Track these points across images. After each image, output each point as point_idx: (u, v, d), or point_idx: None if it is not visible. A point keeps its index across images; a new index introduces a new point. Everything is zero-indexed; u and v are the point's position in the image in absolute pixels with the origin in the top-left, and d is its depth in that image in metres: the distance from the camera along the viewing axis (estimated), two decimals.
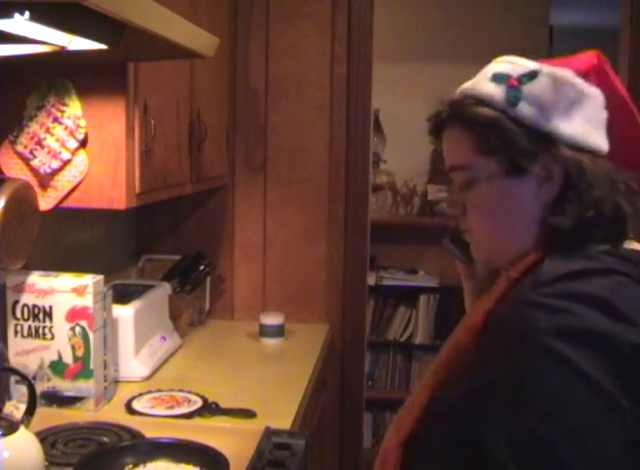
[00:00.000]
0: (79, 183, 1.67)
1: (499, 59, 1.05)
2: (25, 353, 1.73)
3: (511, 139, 0.96)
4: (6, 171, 1.68)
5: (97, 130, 1.67)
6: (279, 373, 2.15)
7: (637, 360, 0.82)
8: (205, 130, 2.19)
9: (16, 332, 1.73)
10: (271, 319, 2.46)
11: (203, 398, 1.84)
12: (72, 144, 1.65)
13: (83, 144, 1.66)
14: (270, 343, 2.44)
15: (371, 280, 3.51)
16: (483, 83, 1.01)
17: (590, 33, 6.13)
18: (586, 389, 0.81)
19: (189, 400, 1.83)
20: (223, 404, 1.80)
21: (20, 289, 1.72)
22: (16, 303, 1.72)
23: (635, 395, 0.82)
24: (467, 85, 1.03)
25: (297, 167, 2.64)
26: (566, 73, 0.99)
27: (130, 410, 1.78)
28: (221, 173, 2.52)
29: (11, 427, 1.27)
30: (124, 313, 1.97)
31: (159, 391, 1.90)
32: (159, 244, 2.72)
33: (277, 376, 2.13)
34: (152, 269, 2.61)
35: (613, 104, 1.02)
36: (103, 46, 1.30)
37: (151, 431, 1.61)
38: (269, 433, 1.61)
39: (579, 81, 0.99)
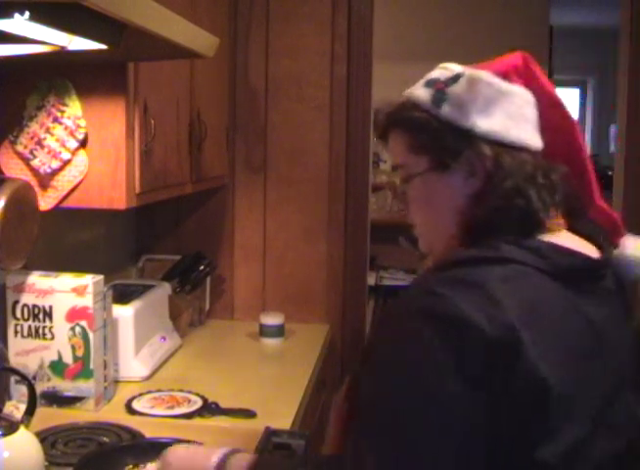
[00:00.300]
0: (79, 183, 1.67)
1: (437, 66, 1.12)
2: (25, 353, 1.73)
3: (436, 138, 1.05)
4: (6, 171, 1.68)
5: (97, 130, 1.67)
6: (279, 373, 2.15)
7: (493, 349, 0.87)
8: (205, 130, 2.19)
9: (16, 332, 1.73)
10: (271, 319, 2.46)
11: (203, 398, 1.84)
12: (72, 144, 1.65)
13: (83, 144, 1.66)
14: (270, 343, 2.44)
15: (371, 280, 3.51)
16: (417, 89, 1.09)
17: (590, 33, 6.14)
18: (433, 372, 0.88)
19: (189, 400, 1.83)
20: (223, 404, 1.80)
21: (20, 289, 1.72)
22: (16, 303, 1.72)
23: (484, 378, 0.87)
24: (407, 90, 1.11)
25: (297, 167, 2.64)
26: (482, 74, 1.05)
27: (130, 410, 1.78)
28: (221, 173, 2.52)
29: (11, 427, 1.27)
30: (124, 313, 1.97)
31: (159, 391, 1.90)
32: (159, 244, 2.71)
33: (277, 376, 2.13)
34: (152, 269, 2.61)
35: (543, 102, 1.09)
36: (103, 46, 1.30)
37: (151, 431, 1.61)
38: (269, 433, 1.61)
39: (496, 81, 1.05)
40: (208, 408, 1.78)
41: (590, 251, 1.06)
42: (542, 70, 1.11)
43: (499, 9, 2.61)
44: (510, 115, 1.05)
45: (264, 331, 2.45)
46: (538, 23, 2.65)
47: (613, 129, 6.05)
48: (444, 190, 1.06)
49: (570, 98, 7.19)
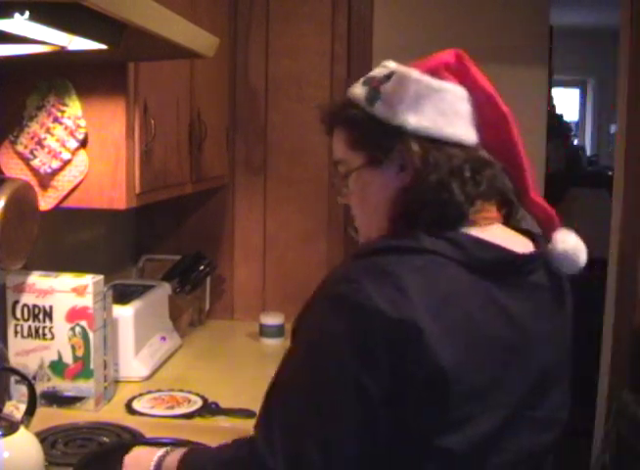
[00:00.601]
0: (79, 183, 1.67)
1: (380, 63, 1.15)
2: (25, 353, 1.73)
3: (370, 135, 1.09)
4: (6, 171, 1.68)
5: (97, 130, 1.67)
6: None
7: (398, 330, 0.90)
8: (205, 130, 2.19)
9: (16, 332, 1.73)
10: (271, 319, 2.46)
11: (203, 398, 1.84)
12: (72, 144, 1.65)
13: (83, 144, 1.66)
14: (270, 343, 2.44)
15: None
16: (356, 86, 1.13)
17: (590, 33, 6.13)
18: (335, 360, 0.93)
19: (189, 400, 1.83)
20: (223, 404, 1.80)
21: (20, 289, 1.72)
22: (16, 303, 1.72)
23: (385, 366, 0.91)
24: (350, 88, 1.15)
25: (297, 167, 2.64)
26: (412, 71, 1.08)
27: (130, 410, 1.78)
28: (221, 173, 2.52)
29: (11, 427, 1.27)
30: (124, 313, 1.97)
31: (159, 391, 1.90)
32: (159, 244, 2.71)
33: None
34: (152, 269, 2.61)
35: (478, 98, 1.11)
36: (103, 46, 1.30)
37: (151, 431, 1.61)
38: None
39: (426, 78, 1.08)
40: (208, 408, 1.78)
41: (523, 245, 1.08)
42: (476, 66, 1.13)
43: (499, 9, 2.60)
44: (441, 111, 1.07)
45: (264, 331, 2.45)
46: (538, 23, 2.64)
47: (613, 129, 6.05)
48: (378, 184, 1.10)
49: (570, 98, 7.18)
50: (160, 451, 1.15)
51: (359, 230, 1.18)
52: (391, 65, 1.12)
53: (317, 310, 1.00)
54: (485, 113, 1.11)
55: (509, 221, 1.11)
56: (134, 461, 1.21)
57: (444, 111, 1.07)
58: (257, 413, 1.03)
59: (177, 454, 1.13)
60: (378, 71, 1.13)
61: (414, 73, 1.08)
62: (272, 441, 0.94)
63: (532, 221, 1.15)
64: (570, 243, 1.11)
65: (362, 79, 1.13)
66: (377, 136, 1.08)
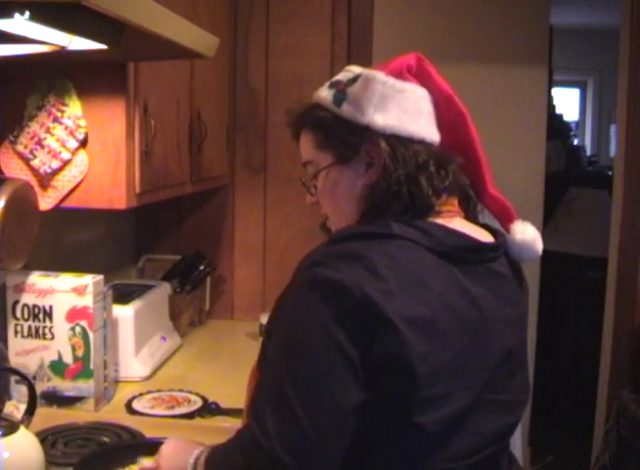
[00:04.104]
0: (79, 183, 1.67)
1: (344, 69, 1.21)
2: (25, 353, 1.73)
3: (337, 134, 1.14)
4: (6, 171, 1.68)
5: (97, 130, 1.67)
6: None
7: (365, 308, 0.95)
8: (205, 130, 2.19)
9: (16, 332, 1.73)
10: None
11: (203, 398, 1.84)
12: (72, 144, 1.65)
13: (83, 144, 1.66)
14: None
15: None
16: (322, 90, 1.19)
17: (590, 33, 6.13)
18: (315, 332, 0.97)
19: (189, 400, 1.83)
20: (223, 404, 1.80)
21: (20, 289, 1.72)
22: (16, 303, 1.72)
23: (358, 335, 0.96)
24: (315, 93, 1.21)
25: (297, 167, 2.61)
26: (377, 74, 1.14)
27: (130, 410, 1.78)
28: (221, 173, 2.52)
29: (11, 427, 1.28)
30: (124, 313, 1.97)
31: (159, 391, 1.90)
32: (159, 244, 2.71)
33: None
34: (152, 269, 2.61)
35: (438, 98, 1.18)
36: (103, 46, 1.30)
37: (151, 431, 1.61)
38: None
39: (390, 79, 1.14)
40: (208, 408, 1.78)
41: (484, 236, 1.15)
42: (435, 68, 1.20)
43: (499, 9, 2.60)
44: (405, 109, 1.13)
45: (264, 331, 2.45)
46: (538, 23, 2.64)
47: (613, 129, 6.04)
48: (347, 181, 1.16)
49: (570, 98, 7.18)
50: (197, 450, 1.17)
51: (332, 227, 1.23)
52: (356, 69, 1.18)
53: (294, 295, 1.03)
54: (445, 112, 1.18)
55: (467, 215, 1.17)
56: (172, 453, 1.22)
57: (408, 110, 1.13)
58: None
59: (206, 454, 1.15)
60: (343, 75, 1.18)
61: (379, 75, 1.14)
62: (264, 419, 0.97)
63: (490, 216, 1.22)
64: (528, 233, 1.19)
65: (327, 83, 1.19)
66: (345, 135, 1.14)
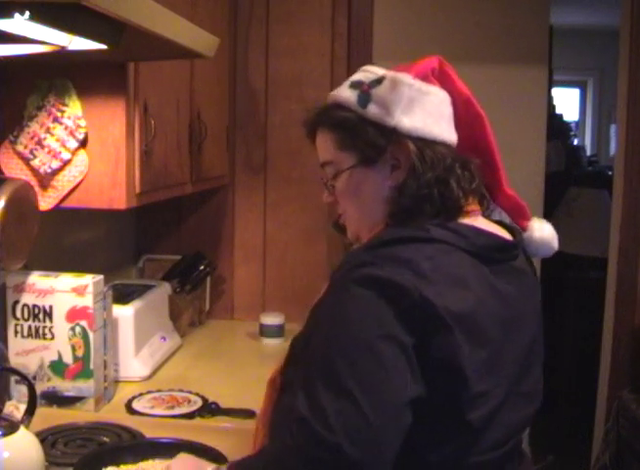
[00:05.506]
0: (79, 183, 1.67)
1: (360, 69, 1.23)
2: (25, 353, 1.73)
3: (362, 136, 1.15)
4: (6, 171, 1.68)
5: (97, 130, 1.67)
6: None
7: (422, 308, 0.98)
8: (205, 130, 2.19)
9: (16, 332, 1.73)
10: (271, 319, 2.46)
11: (203, 398, 1.84)
12: (72, 144, 1.65)
13: (83, 144, 1.66)
14: (270, 343, 2.44)
15: None
16: (343, 90, 1.19)
17: (590, 33, 6.13)
18: (373, 325, 0.99)
19: (189, 400, 1.83)
20: (223, 404, 1.80)
21: (20, 289, 1.72)
22: (16, 303, 1.72)
23: (417, 335, 0.98)
24: (332, 92, 1.22)
25: (297, 167, 2.64)
26: (404, 77, 1.15)
27: (130, 410, 1.77)
28: (221, 173, 2.52)
29: (11, 427, 1.28)
30: (124, 313, 1.97)
31: (159, 391, 1.90)
32: (159, 244, 2.71)
33: None
34: (152, 269, 2.61)
35: (457, 100, 1.21)
36: (103, 46, 1.30)
37: (151, 431, 1.61)
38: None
39: (416, 82, 1.15)
40: (208, 408, 1.78)
41: (503, 234, 1.18)
42: (455, 71, 1.23)
43: (499, 9, 2.60)
44: (429, 112, 1.15)
45: (264, 331, 2.45)
46: (538, 23, 2.64)
47: (613, 129, 6.04)
48: (371, 182, 1.17)
49: (570, 98, 7.18)
50: (211, 467, 1.19)
51: (349, 228, 1.24)
52: (378, 70, 1.19)
53: (341, 294, 1.03)
54: (463, 113, 1.21)
55: (483, 214, 1.20)
56: (185, 468, 1.24)
57: (431, 112, 1.16)
58: (297, 395, 1.03)
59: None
60: (363, 76, 1.19)
61: (406, 78, 1.15)
62: (323, 415, 0.95)
63: (501, 213, 1.26)
64: (546, 231, 1.25)
65: (347, 83, 1.20)
66: (370, 137, 1.14)
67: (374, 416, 0.94)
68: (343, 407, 0.95)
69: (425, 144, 1.13)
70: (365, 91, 1.16)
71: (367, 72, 1.20)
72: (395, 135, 1.13)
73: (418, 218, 1.10)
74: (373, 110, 1.14)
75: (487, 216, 1.21)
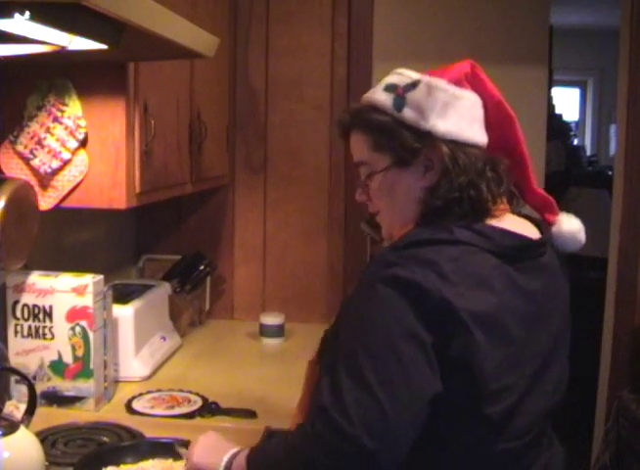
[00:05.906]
0: (79, 183, 1.67)
1: (393, 71, 1.25)
2: (25, 353, 1.73)
3: (397, 139, 1.18)
4: (6, 171, 1.68)
5: (97, 130, 1.67)
6: (279, 373, 2.15)
7: (443, 309, 1.03)
8: (205, 130, 2.19)
9: (16, 332, 1.73)
10: (271, 319, 2.46)
11: (203, 398, 1.84)
12: (72, 144, 1.65)
13: (83, 144, 1.66)
14: (270, 343, 2.44)
15: None
16: (378, 93, 1.22)
17: (590, 33, 6.13)
18: (395, 324, 1.03)
19: (189, 400, 1.83)
20: (223, 404, 1.80)
21: (20, 289, 1.72)
22: (16, 303, 1.72)
23: (437, 335, 1.03)
24: (367, 94, 1.24)
25: (297, 167, 2.64)
26: (439, 82, 1.19)
27: (130, 410, 1.78)
28: (221, 173, 2.52)
29: (11, 427, 1.28)
30: (124, 313, 1.97)
31: (159, 391, 1.90)
32: (159, 244, 2.71)
33: (277, 376, 2.12)
34: (152, 269, 2.61)
35: (488, 103, 1.24)
36: (103, 46, 1.30)
37: (151, 431, 1.61)
38: (269, 433, 1.61)
39: (451, 87, 1.19)
40: (208, 408, 1.78)
41: (531, 230, 1.22)
42: (487, 75, 1.26)
43: (499, 9, 2.60)
44: (462, 116, 1.19)
45: (264, 331, 2.45)
46: (538, 23, 2.64)
47: (613, 129, 6.04)
48: (405, 183, 1.20)
49: (570, 98, 7.18)
50: (233, 450, 1.21)
51: (383, 226, 1.28)
52: (412, 74, 1.22)
53: (369, 292, 1.08)
54: (494, 115, 1.24)
55: (512, 210, 1.23)
56: (208, 446, 1.26)
57: (464, 116, 1.19)
58: (322, 384, 1.08)
59: (245, 453, 1.18)
60: (397, 79, 1.22)
61: (441, 83, 1.19)
62: (344, 408, 1.00)
63: (529, 208, 1.29)
64: (574, 224, 1.30)
65: (381, 86, 1.22)
66: (406, 140, 1.17)
67: (392, 411, 0.99)
68: (363, 400, 1.00)
69: (457, 146, 1.16)
70: (400, 95, 1.19)
71: (401, 76, 1.22)
72: (430, 138, 1.16)
73: (446, 219, 1.14)
74: (408, 113, 1.17)
75: (517, 212, 1.24)
